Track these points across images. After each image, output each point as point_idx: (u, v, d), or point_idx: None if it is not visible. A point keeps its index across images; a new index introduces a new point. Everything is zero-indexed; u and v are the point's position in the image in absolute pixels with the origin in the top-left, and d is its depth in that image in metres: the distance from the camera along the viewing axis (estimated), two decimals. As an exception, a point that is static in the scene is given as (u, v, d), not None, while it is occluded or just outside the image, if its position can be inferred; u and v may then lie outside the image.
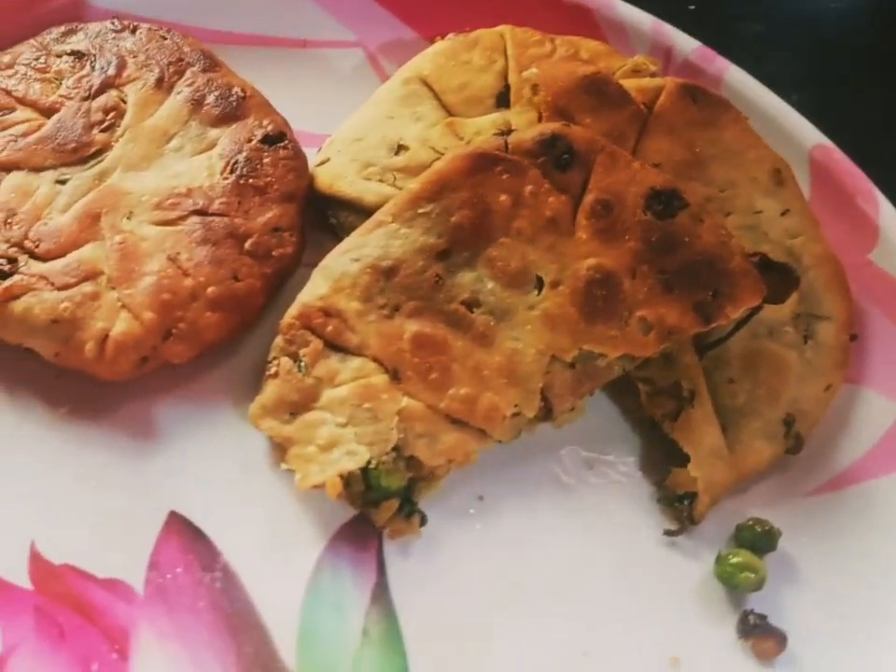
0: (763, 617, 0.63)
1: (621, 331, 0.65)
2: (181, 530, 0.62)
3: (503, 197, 0.66)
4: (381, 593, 0.62)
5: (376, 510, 0.63)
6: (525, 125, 0.73)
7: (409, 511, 0.64)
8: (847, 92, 1.00)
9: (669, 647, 0.63)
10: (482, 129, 0.74)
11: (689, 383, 0.67)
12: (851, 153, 0.80)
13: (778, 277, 0.69)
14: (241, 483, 0.65)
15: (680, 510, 0.67)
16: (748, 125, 0.73)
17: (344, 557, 0.63)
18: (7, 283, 0.65)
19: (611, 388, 0.70)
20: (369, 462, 0.61)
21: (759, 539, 0.65)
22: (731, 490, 0.67)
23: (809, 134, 0.81)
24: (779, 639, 0.62)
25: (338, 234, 0.73)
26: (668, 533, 0.66)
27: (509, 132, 0.72)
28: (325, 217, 0.75)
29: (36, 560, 0.60)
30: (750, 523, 0.66)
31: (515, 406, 0.64)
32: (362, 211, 0.71)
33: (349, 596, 0.62)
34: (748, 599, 0.65)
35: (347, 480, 0.61)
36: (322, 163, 0.75)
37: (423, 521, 0.64)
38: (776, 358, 0.68)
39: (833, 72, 1.02)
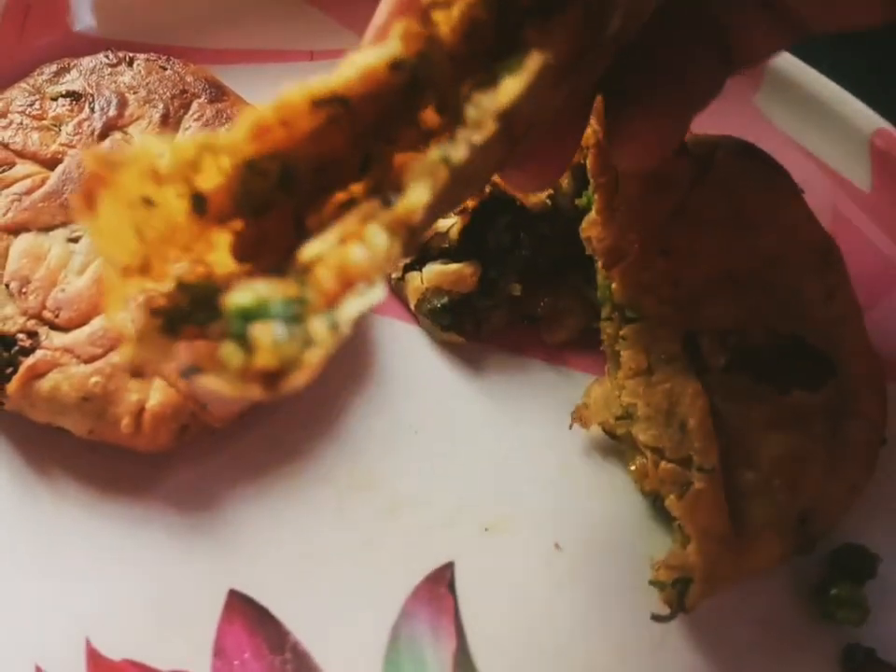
0: (870, 651, 0.59)
1: None
2: (244, 609, 0.58)
3: None
4: (463, 659, 0.58)
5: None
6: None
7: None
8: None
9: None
10: None
11: (702, 459, 0.59)
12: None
13: (814, 364, 0.62)
14: (301, 551, 0.60)
15: (671, 593, 0.59)
16: (803, 199, 0.65)
17: (420, 623, 0.59)
18: (31, 360, 0.60)
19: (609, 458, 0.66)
20: None
21: (857, 566, 0.60)
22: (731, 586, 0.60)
23: (868, 118, 0.73)
24: (893, 677, 0.57)
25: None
26: (656, 618, 0.59)
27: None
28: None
29: (94, 658, 0.56)
30: (846, 549, 0.61)
31: None
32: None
33: (430, 668, 0.57)
34: (847, 632, 0.60)
35: None
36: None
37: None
38: (802, 450, 0.60)
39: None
